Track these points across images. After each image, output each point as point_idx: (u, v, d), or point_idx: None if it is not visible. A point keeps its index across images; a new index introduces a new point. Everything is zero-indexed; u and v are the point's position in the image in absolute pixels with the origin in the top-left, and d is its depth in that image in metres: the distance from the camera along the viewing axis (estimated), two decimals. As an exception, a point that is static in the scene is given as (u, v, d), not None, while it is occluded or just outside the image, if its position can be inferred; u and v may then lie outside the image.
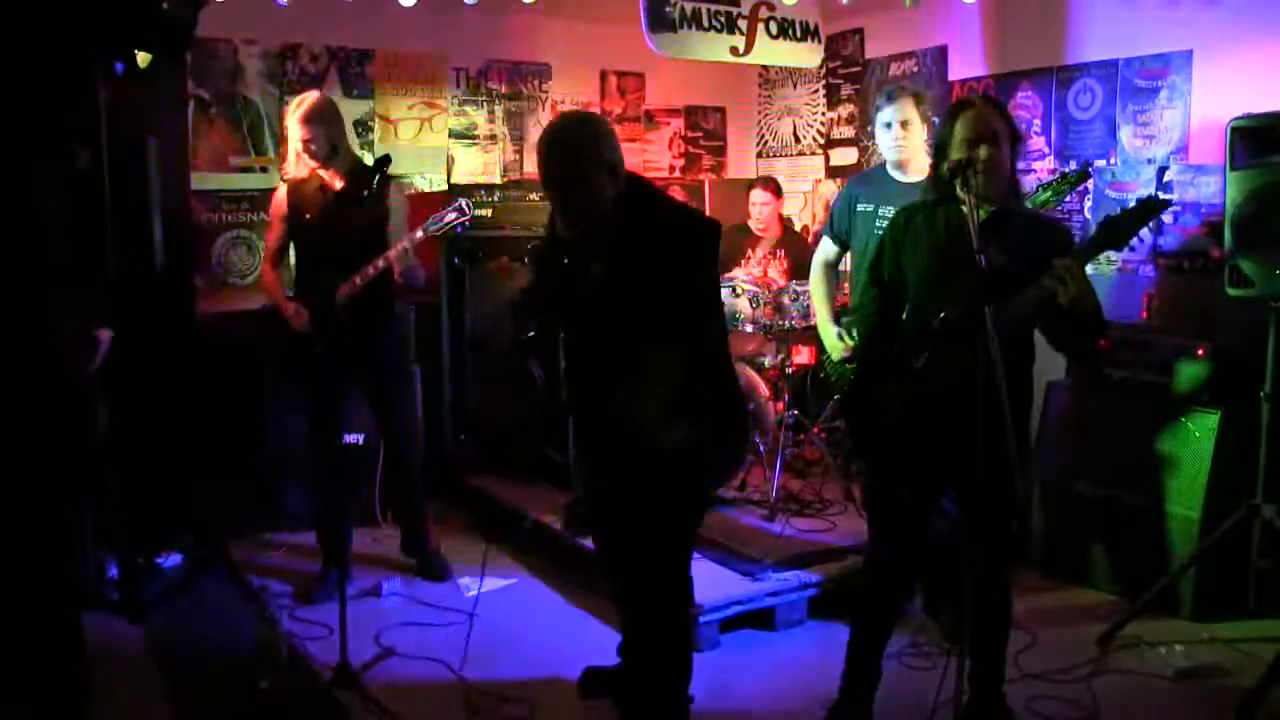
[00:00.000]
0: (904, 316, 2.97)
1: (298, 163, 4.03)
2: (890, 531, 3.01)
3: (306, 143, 3.93)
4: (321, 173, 4.00)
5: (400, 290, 4.13)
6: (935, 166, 2.91)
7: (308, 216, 4.01)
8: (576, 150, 2.71)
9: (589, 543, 3.71)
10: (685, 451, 2.73)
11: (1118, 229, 2.73)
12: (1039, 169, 4.99)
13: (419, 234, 3.91)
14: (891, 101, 3.92)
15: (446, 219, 3.90)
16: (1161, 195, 2.65)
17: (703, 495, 3.09)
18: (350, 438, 4.55)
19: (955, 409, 2.67)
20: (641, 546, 2.94)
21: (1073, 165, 4.80)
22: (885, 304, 3.02)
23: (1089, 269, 2.76)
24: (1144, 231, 2.75)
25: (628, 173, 2.81)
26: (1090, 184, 4.77)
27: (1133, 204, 2.74)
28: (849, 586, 3.88)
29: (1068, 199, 4.71)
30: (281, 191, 4.14)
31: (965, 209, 2.73)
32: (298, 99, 4.02)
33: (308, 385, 4.09)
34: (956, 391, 2.66)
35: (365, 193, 3.81)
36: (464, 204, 3.94)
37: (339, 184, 3.98)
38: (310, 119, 3.93)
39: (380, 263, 3.86)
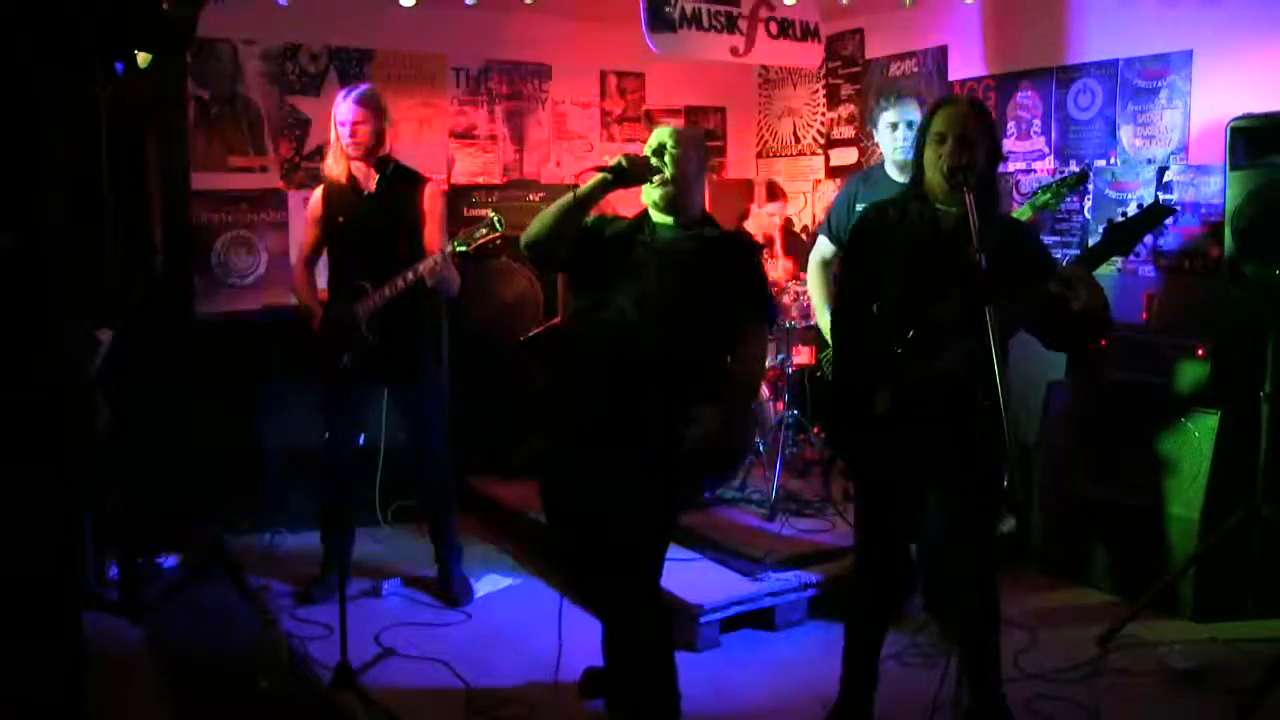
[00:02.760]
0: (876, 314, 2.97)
1: (339, 157, 3.91)
2: (877, 532, 3.01)
3: (357, 125, 3.82)
4: (356, 173, 3.91)
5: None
6: (916, 161, 2.88)
7: (340, 220, 3.93)
8: (704, 157, 3.11)
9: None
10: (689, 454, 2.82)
11: (1124, 235, 2.72)
12: (1039, 169, 4.99)
13: (449, 249, 3.78)
14: (898, 102, 3.91)
15: (477, 234, 3.74)
16: (1167, 201, 2.64)
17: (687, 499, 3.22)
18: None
19: (942, 408, 2.67)
20: (629, 546, 2.94)
21: (1073, 166, 4.81)
22: (857, 302, 2.99)
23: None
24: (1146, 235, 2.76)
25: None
26: (1090, 184, 4.78)
27: (1137, 210, 2.74)
28: (847, 586, 3.90)
29: (1067, 200, 4.72)
30: (317, 192, 4.06)
31: (940, 209, 2.78)
32: (347, 88, 3.94)
33: (328, 388, 4.02)
34: (944, 390, 2.66)
35: (398, 194, 3.82)
36: (495, 220, 3.75)
37: (373, 186, 3.90)
38: (365, 101, 3.85)
39: (410, 275, 3.77)
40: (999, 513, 3.06)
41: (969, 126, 2.75)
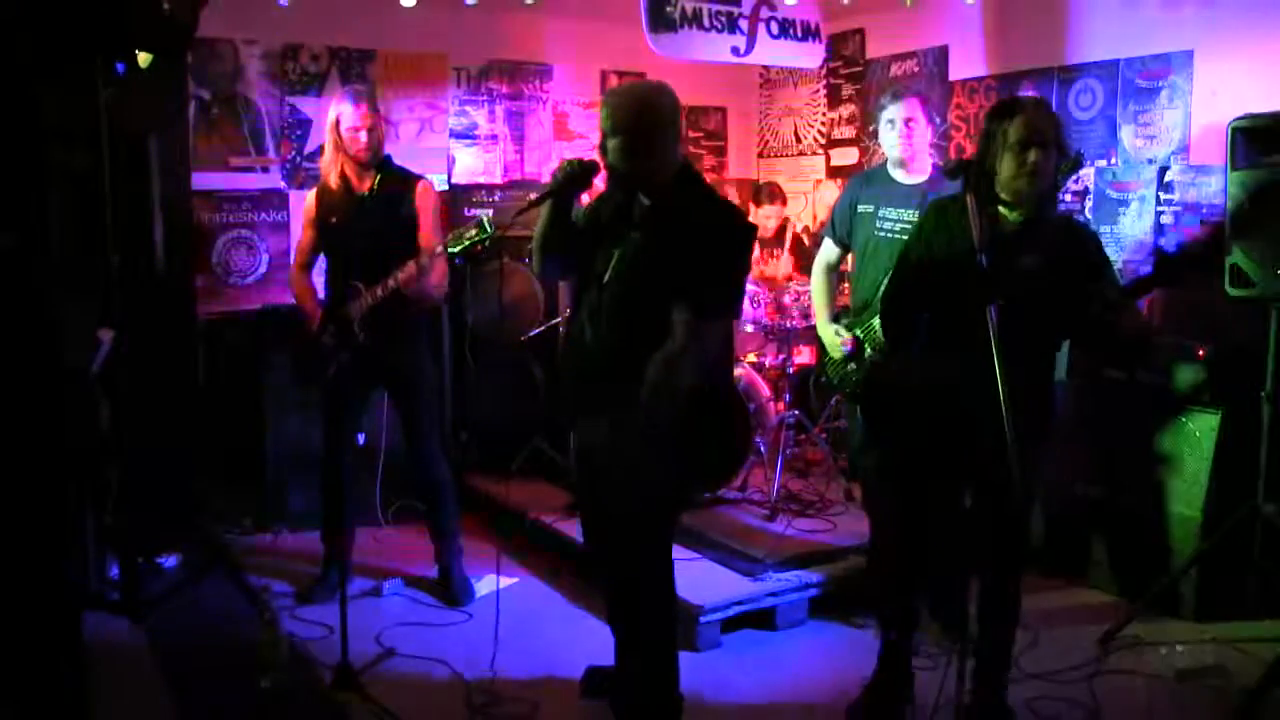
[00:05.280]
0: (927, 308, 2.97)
1: (335, 158, 3.88)
2: (899, 518, 3.00)
3: (371, 129, 3.81)
4: (350, 174, 3.89)
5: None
6: (980, 165, 2.82)
7: (334, 220, 3.91)
8: (656, 110, 2.81)
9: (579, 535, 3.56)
10: (666, 438, 2.76)
11: (1171, 267, 2.72)
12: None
13: (438, 249, 3.72)
14: (898, 99, 3.93)
15: (466, 235, 3.60)
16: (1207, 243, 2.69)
17: (680, 489, 3.15)
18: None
19: (965, 405, 2.68)
20: (620, 537, 2.96)
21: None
22: (911, 294, 2.98)
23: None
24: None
25: (683, 159, 2.95)
26: (1091, 184, 4.77)
27: (1188, 247, 2.75)
28: (852, 587, 3.89)
29: (1066, 195, 4.72)
30: (311, 194, 4.05)
31: (1003, 213, 2.76)
32: (344, 93, 3.92)
33: (325, 388, 4.02)
34: (970, 386, 2.67)
35: (392, 193, 3.82)
36: (484, 220, 3.61)
37: (367, 186, 3.89)
38: (371, 104, 3.85)
39: (390, 283, 3.75)
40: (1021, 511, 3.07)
41: (1047, 132, 2.73)
